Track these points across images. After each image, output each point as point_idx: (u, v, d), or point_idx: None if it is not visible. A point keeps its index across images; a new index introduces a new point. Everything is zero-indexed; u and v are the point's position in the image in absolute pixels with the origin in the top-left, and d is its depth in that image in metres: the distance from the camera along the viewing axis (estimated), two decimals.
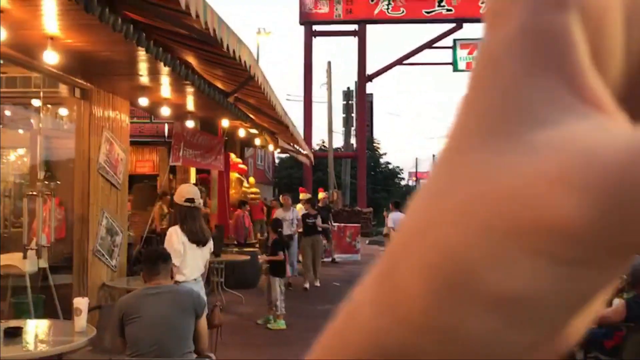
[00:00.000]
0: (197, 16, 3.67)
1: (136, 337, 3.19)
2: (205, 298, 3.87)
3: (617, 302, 4.22)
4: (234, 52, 4.39)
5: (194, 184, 12.09)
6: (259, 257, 8.58)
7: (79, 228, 5.89)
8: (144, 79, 5.77)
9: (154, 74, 5.51)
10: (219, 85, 6.44)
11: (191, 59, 5.47)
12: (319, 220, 10.74)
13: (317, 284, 10.26)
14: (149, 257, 3.53)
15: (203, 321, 3.42)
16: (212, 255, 8.23)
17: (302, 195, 12.79)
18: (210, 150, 9.53)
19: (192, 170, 11.67)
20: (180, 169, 10.69)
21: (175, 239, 4.31)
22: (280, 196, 11.06)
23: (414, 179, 56.53)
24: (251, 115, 8.25)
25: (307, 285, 10.05)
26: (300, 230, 10.32)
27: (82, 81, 5.64)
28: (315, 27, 25.27)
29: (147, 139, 11.58)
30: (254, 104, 7.33)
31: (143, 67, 5.30)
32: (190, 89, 6.13)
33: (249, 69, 4.97)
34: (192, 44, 4.92)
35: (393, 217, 12.58)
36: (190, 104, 7.08)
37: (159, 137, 11.23)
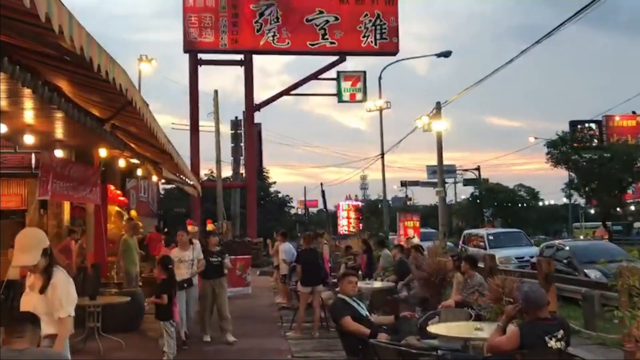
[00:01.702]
0: (61, 32, 3.23)
1: None
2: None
3: (510, 328, 4.22)
4: (106, 73, 3.94)
5: (72, 218, 11.13)
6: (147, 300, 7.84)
7: None
8: (1, 103, 5.09)
9: (13, 96, 4.87)
10: (96, 112, 5.87)
11: (63, 83, 4.91)
12: (227, 260, 8.89)
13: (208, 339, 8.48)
14: (16, 317, 3.15)
15: None
16: (87, 298, 7.52)
17: (190, 228, 12.12)
18: (85, 182, 8.73)
19: (66, 205, 10.73)
20: (53, 203, 9.78)
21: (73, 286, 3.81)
22: (178, 233, 8.76)
23: (303, 207, 57.11)
24: (131, 144, 7.68)
25: (207, 338, 8.44)
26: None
27: None
28: (201, 56, 24.85)
29: (12, 170, 10.51)
30: (134, 132, 6.80)
31: None
32: (58, 115, 5.51)
33: (125, 93, 4.52)
34: (64, 67, 4.39)
35: (284, 249, 12.34)
36: (59, 132, 6.40)
37: (26, 168, 10.19)
